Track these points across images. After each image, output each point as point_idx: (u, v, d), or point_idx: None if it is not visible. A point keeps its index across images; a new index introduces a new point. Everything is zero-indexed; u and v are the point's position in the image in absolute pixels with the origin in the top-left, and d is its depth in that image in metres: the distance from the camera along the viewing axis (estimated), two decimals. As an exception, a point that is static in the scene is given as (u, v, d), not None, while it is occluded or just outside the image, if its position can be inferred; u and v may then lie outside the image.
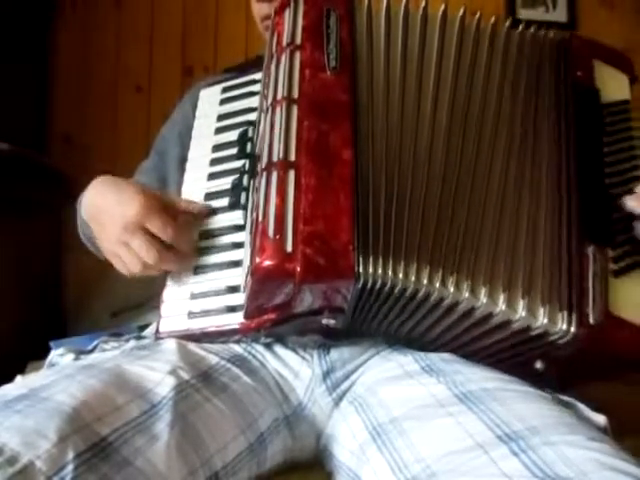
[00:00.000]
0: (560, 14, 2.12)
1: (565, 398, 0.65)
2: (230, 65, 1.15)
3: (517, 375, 0.66)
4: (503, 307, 0.64)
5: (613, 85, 0.76)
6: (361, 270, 0.62)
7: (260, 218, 0.63)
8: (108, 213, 0.75)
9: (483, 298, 0.64)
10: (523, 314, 0.64)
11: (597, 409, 0.64)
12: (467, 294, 0.64)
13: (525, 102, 0.74)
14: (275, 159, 0.65)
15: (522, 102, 0.74)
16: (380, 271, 0.63)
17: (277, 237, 0.61)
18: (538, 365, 0.68)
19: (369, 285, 0.63)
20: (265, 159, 0.67)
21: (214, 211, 0.81)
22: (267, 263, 0.61)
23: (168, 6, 2.05)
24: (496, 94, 0.74)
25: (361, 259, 0.62)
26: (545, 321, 0.64)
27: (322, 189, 0.63)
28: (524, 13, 2.11)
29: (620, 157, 0.72)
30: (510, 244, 0.67)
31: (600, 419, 0.62)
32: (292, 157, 0.65)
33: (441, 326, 0.69)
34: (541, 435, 0.53)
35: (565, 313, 0.64)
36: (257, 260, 0.61)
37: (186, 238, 0.76)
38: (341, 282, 0.62)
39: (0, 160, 1.53)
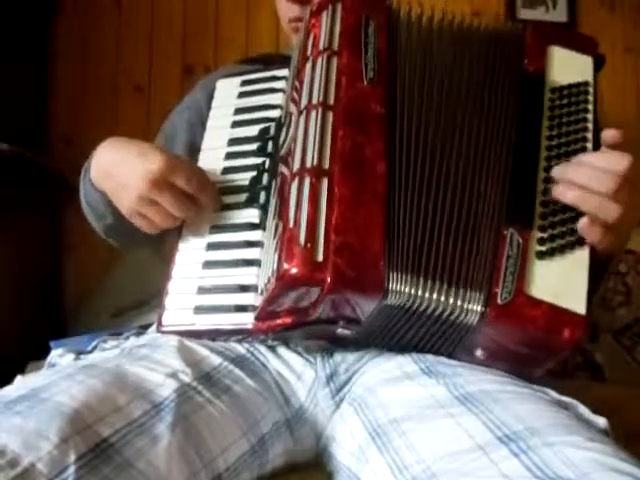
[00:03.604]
0: (560, 14, 2.11)
1: (566, 399, 0.65)
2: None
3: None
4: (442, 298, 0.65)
5: (570, 68, 0.76)
6: (390, 287, 0.62)
7: (291, 224, 0.62)
8: (130, 169, 0.72)
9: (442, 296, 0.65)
10: (442, 299, 0.65)
11: (604, 412, 0.64)
12: (459, 302, 0.65)
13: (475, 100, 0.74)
14: (308, 165, 0.65)
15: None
16: (407, 289, 0.63)
17: (308, 245, 0.61)
18: (478, 353, 0.69)
19: (396, 302, 0.63)
20: (297, 164, 0.66)
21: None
22: (296, 270, 0.61)
23: (168, 6, 2.05)
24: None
25: (391, 275, 0.63)
26: (458, 303, 0.65)
27: (355, 201, 0.64)
28: (524, 13, 2.11)
29: (566, 140, 0.72)
30: (458, 235, 0.68)
31: (600, 421, 0.62)
32: (326, 165, 0.65)
33: (428, 332, 0.69)
34: (541, 436, 0.54)
35: (474, 293, 0.65)
36: (285, 266, 0.61)
37: (208, 187, 0.76)
38: (369, 296, 0.62)
39: (0, 160, 1.53)
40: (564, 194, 0.66)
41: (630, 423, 0.77)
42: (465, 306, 0.65)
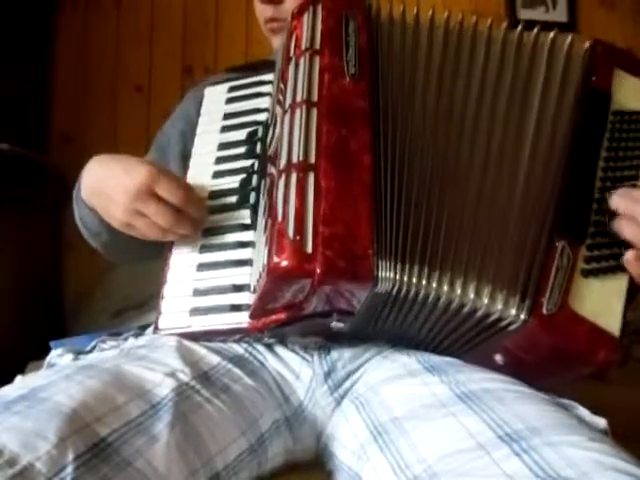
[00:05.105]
0: (560, 14, 2.12)
1: (565, 401, 0.65)
2: (230, 65, 1.15)
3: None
4: (472, 296, 0.65)
5: (633, 95, 0.76)
6: (380, 275, 0.63)
7: (279, 218, 0.63)
8: (115, 183, 0.74)
9: (471, 293, 0.65)
10: (485, 301, 0.64)
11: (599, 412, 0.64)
12: (472, 295, 0.65)
13: (523, 102, 0.73)
14: (295, 161, 0.65)
15: (519, 103, 0.73)
16: (397, 276, 0.63)
17: (297, 238, 0.61)
18: (497, 358, 0.69)
19: (385, 290, 0.63)
20: (284, 160, 0.66)
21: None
22: (286, 263, 0.61)
23: (168, 6, 2.05)
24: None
25: (380, 264, 0.63)
26: (500, 307, 0.64)
27: (342, 193, 0.64)
28: (524, 13, 2.11)
29: (622, 165, 0.72)
30: (489, 233, 0.67)
31: (600, 421, 0.62)
32: (312, 160, 0.65)
33: (437, 326, 0.69)
34: (542, 435, 0.54)
35: (518, 299, 0.65)
36: (275, 260, 0.61)
37: (196, 200, 0.76)
38: (360, 285, 0.63)
39: (0, 160, 1.53)
40: (623, 229, 0.66)
41: (630, 423, 0.77)
42: (505, 310, 0.64)
